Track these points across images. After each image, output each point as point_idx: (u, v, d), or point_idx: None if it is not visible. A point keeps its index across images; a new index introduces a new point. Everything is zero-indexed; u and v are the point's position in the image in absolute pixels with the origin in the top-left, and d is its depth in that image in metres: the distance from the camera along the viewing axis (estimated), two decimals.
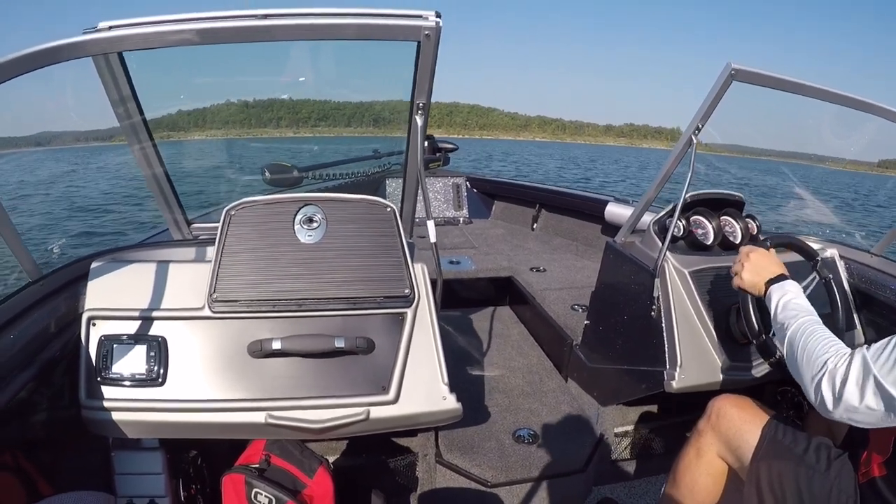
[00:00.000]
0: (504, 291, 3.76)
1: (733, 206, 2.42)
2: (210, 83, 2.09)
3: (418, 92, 1.60)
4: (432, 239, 1.79)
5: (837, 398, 1.29)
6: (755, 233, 2.37)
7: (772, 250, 1.84)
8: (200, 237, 2.10)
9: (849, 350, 1.35)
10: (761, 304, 1.78)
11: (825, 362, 1.35)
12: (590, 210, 4.32)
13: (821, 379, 1.34)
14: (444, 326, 1.81)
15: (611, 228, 4.01)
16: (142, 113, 1.75)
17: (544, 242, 4.55)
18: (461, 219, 4.99)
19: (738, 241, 2.34)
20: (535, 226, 4.95)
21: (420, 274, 1.79)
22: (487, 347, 3.16)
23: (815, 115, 2.36)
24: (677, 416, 2.59)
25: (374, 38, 1.44)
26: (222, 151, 3.02)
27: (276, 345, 1.59)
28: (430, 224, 1.79)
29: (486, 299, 3.78)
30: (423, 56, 1.48)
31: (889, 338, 1.25)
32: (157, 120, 1.87)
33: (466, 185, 5.18)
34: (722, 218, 2.37)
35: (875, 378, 1.22)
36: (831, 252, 2.50)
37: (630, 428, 2.58)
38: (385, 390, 1.65)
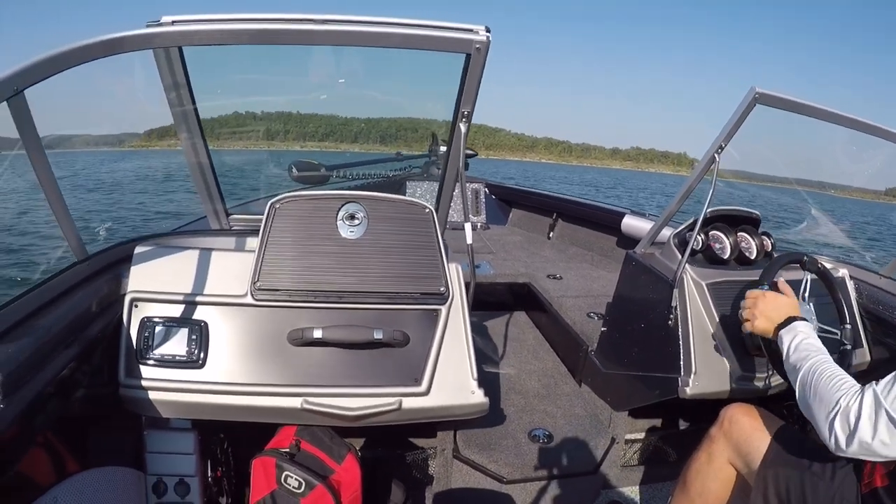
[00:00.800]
0: (521, 297, 3.81)
1: (749, 223, 2.49)
2: (258, 83, 2.16)
3: (464, 101, 1.67)
4: (469, 240, 1.86)
5: (851, 435, 1.31)
6: (769, 249, 2.44)
7: (776, 291, 1.89)
8: (237, 228, 2.17)
9: (859, 386, 1.37)
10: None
11: (837, 401, 1.36)
12: (606, 221, 4.38)
13: (834, 418, 1.35)
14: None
15: (627, 240, 4.06)
16: (194, 104, 1.83)
17: (560, 251, 4.60)
18: (479, 224, 5.05)
19: (753, 257, 2.40)
20: (551, 234, 5.01)
21: (455, 274, 1.86)
22: (504, 350, 3.21)
23: (831, 141, 2.43)
24: (687, 426, 2.65)
25: (429, 48, 1.50)
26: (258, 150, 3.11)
27: (317, 333, 1.66)
28: (468, 226, 1.86)
29: (503, 304, 3.84)
30: (472, 68, 1.55)
31: (893, 373, 1.28)
32: (207, 108, 1.95)
33: (485, 192, 5.25)
34: (738, 234, 2.43)
35: (887, 412, 1.25)
36: (842, 272, 2.56)
37: (641, 435, 2.63)
38: (417, 382, 1.72)
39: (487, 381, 2.73)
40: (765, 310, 1.78)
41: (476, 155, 5.23)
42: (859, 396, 1.32)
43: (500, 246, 4.50)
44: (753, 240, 2.45)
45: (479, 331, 3.38)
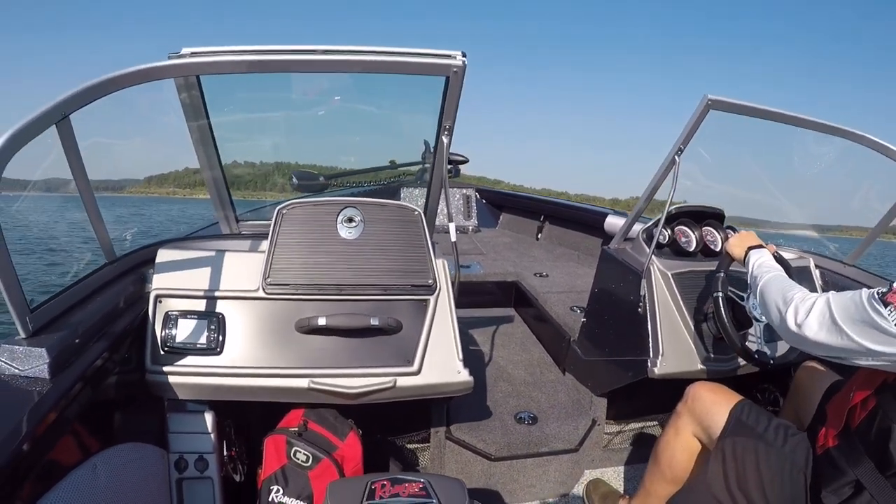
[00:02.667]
0: (509, 294, 4.00)
1: (714, 219, 2.69)
2: (266, 97, 2.36)
3: (446, 116, 1.88)
4: (453, 238, 2.08)
5: (798, 325, 1.47)
6: None
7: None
8: (245, 232, 2.39)
9: (811, 293, 1.53)
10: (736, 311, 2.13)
11: (793, 297, 1.54)
12: (591, 222, 4.56)
13: (787, 308, 1.53)
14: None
15: (610, 239, 4.22)
16: (210, 123, 2.03)
17: (548, 251, 4.77)
18: (471, 227, 5.24)
19: (717, 249, 2.60)
20: (539, 236, 5.19)
21: (441, 268, 2.09)
22: (493, 343, 3.39)
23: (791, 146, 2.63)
24: (664, 409, 2.82)
25: (413, 72, 1.73)
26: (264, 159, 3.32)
27: (322, 321, 1.88)
28: (452, 226, 2.09)
29: (492, 301, 4.03)
30: (451, 88, 1.78)
31: (851, 290, 1.40)
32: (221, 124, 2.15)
33: (476, 196, 5.42)
34: (704, 228, 2.63)
35: (833, 316, 1.38)
36: (809, 260, 2.75)
37: (621, 418, 2.83)
38: (410, 363, 1.94)
39: (478, 371, 2.91)
40: (742, 236, 2.10)
41: (467, 161, 5.42)
42: (814, 297, 1.48)
43: (490, 247, 4.68)
44: (718, 233, 2.65)
45: (470, 326, 3.56)
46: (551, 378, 3.00)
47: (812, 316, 1.45)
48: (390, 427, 2.51)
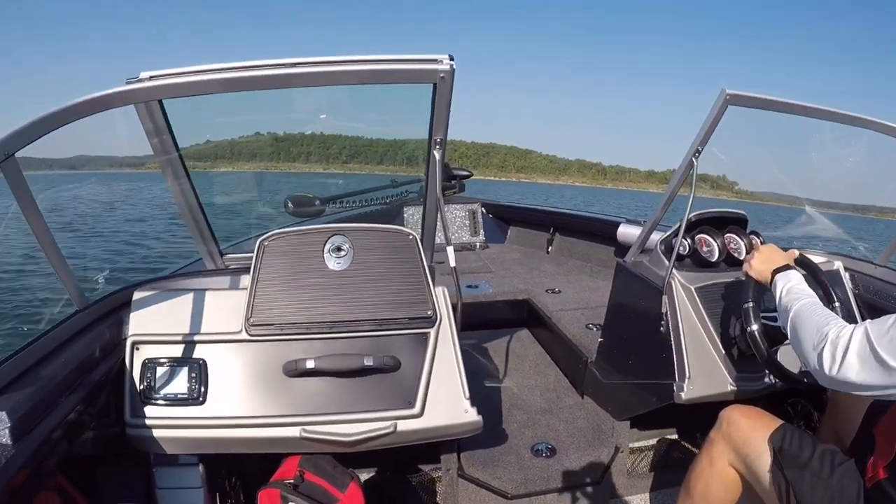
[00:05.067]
0: (521, 313, 3.83)
1: (737, 224, 2.50)
2: (242, 120, 2.22)
3: (436, 128, 1.72)
4: (452, 263, 1.91)
5: (837, 366, 1.34)
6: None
7: (770, 244, 1.99)
8: (231, 266, 2.23)
9: (851, 325, 1.40)
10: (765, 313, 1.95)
11: (827, 333, 1.40)
12: (602, 232, 4.39)
13: (823, 347, 1.39)
14: (464, 346, 1.93)
15: (623, 249, 4.00)
16: (178, 150, 1.88)
17: (559, 264, 4.62)
18: (478, 244, 5.07)
19: (741, 258, 2.40)
20: (549, 249, 5.02)
21: (441, 296, 1.92)
22: (506, 367, 3.22)
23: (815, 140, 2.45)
24: (691, 430, 2.67)
25: (396, 81, 1.56)
26: (249, 185, 3.17)
27: (310, 364, 1.72)
28: (450, 250, 1.92)
29: (503, 321, 3.85)
30: (439, 96, 1.60)
31: (889, 315, 1.30)
32: (191, 152, 2.00)
33: (482, 211, 5.26)
34: (726, 235, 2.44)
35: (875, 351, 1.27)
36: (837, 264, 2.57)
37: (645, 442, 2.65)
38: (411, 404, 1.77)
39: (490, 399, 2.75)
40: (766, 254, 1.91)
41: (471, 176, 5.25)
42: (850, 331, 1.35)
43: (499, 264, 4.52)
44: (742, 240, 2.46)
45: (480, 349, 3.41)
46: (569, 403, 2.84)
47: (851, 354, 1.33)
48: (396, 464, 2.36)
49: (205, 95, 1.57)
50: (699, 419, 2.05)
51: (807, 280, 1.91)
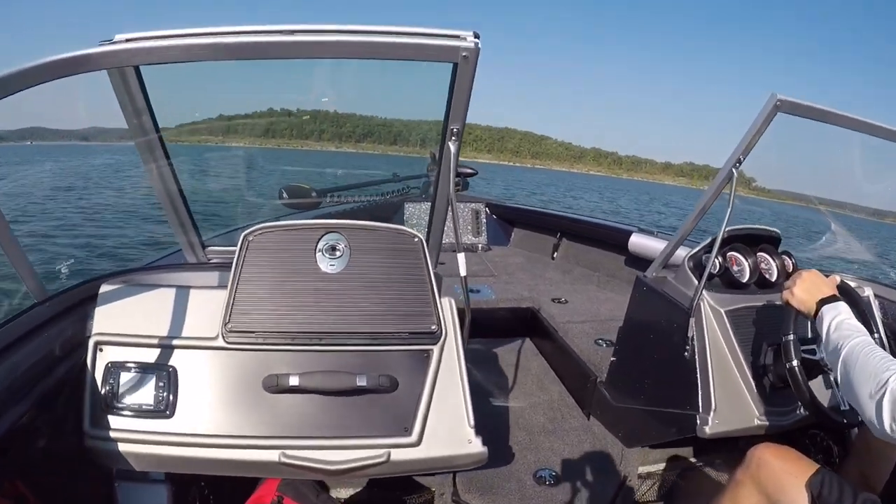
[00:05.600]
0: (524, 322, 3.66)
1: (769, 242, 2.33)
2: (236, 98, 2.02)
3: (453, 116, 1.51)
4: (462, 272, 1.71)
5: None
6: (791, 270, 2.29)
7: (813, 270, 1.78)
8: (215, 261, 2.04)
9: None
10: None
11: (887, 381, 1.26)
12: (613, 240, 4.22)
13: (882, 396, 1.26)
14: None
15: (635, 260, 3.94)
16: (157, 129, 1.69)
17: (565, 272, 4.46)
18: (480, 245, 4.90)
19: (773, 279, 2.26)
20: (555, 254, 4.85)
21: (448, 309, 1.71)
22: (507, 381, 3.07)
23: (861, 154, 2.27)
24: (704, 458, 2.50)
25: (409, 58, 1.35)
26: (240, 170, 2.97)
27: (294, 381, 1.51)
28: (461, 257, 1.70)
29: (506, 330, 3.68)
30: (459, 78, 1.40)
31: None
32: (173, 131, 1.81)
33: (486, 212, 5.10)
34: (758, 254, 2.28)
35: None
36: (867, 291, 2.40)
37: (654, 469, 2.48)
38: (407, 431, 1.56)
39: (489, 416, 2.61)
40: (810, 281, 1.71)
41: (475, 174, 5.05)
42: None
43: (501, 268, 4.36)
44: (774, 260, 2.31)
45: (480, 360, 3.24)
46: (574, 424, 2.67)
47: None
48: (387, 487, 2.16)
49: (192, 66, 1.37)
50: (709, 446, 1.98)
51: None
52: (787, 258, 2.31)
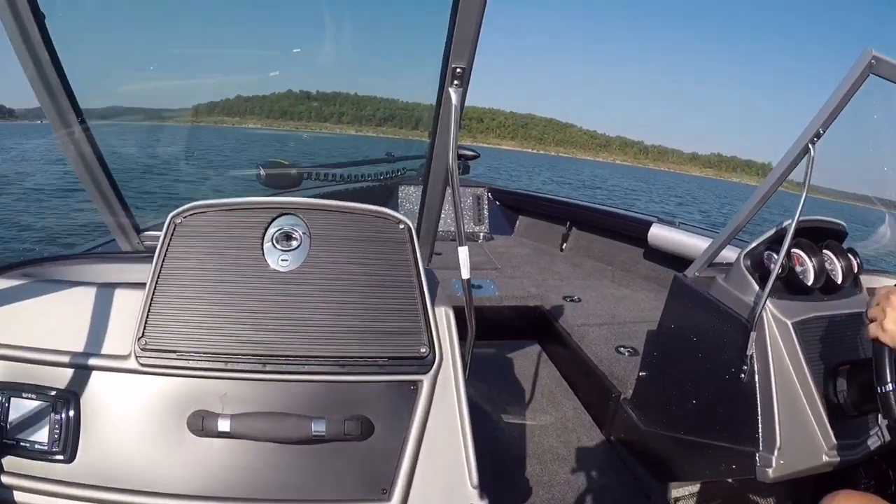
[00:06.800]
0: (532, 323, 3.32)
1: (833, 237, 1.98)
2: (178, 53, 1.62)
3: (456, 50, 1.10)
4: (465, 275, 1.27)
5: None
6: (857, 271, 1.94)
7: None
8: (149, 248, 1.62)
9: None
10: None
11: None
12: (629, 231, 3.92)
13: None
14: (470, 390, 1.31)
15: (654, 253, 3.65)
16: (60, 70, 1.29)
17: (575, 266, 4.14)
18: (482, 234, 4.58)
19: (839, 282, 1.89)
20: (564, 246, 4.55)
21: (444, 322, 1.25)
22: (513, 394, 2.72)
23: None
24: (755, 493, 2.15)
25: None
26: (199, 133, 2.58)
27: (223, 425, 1.08)
28: (463, 252, 1.27)
29: (511, 332, 3.33)
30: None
31: None
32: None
33: (488, 197, 4.79)
34: (823, 252, 1.92)
35: None
36: None
37: (688, 491, 2.16)
38: (386, 494, 1.13)
39: (492, 441, 2.27)
40: None
41: (478, 156, 4.68)
42: None
43: (505, 260, 4.03)
44: (838, 260, 1.95)
45: (480, 368, 2.87)
46: (591, 446, 2.33)
47: None
48: None
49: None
50: None
51: None
52: (852, 257, 1.95)
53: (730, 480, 2.19)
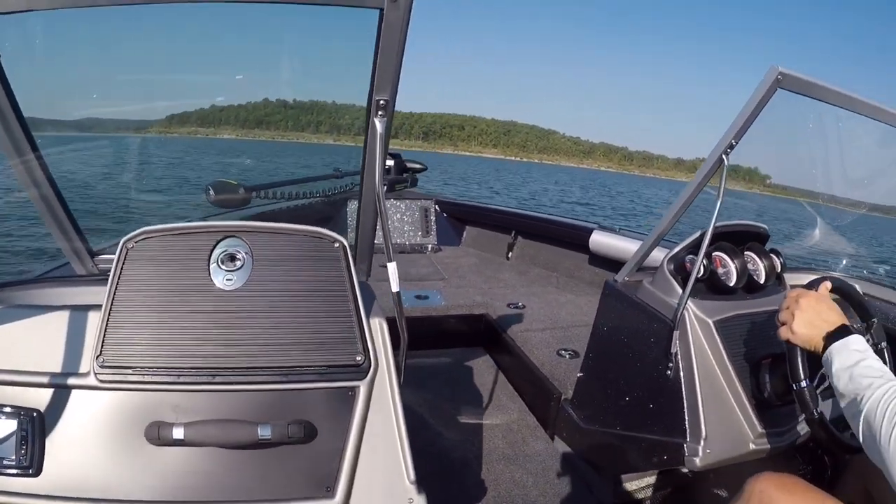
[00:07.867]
0: (478, 331, 3.39)
1: (755, 240, 2.10)
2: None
3: (379, 84, 1.19)
4: (394, 287, 1.37)
5: None
6: (779, 271, 2.07)
7: (825, 291, 1.47)
8: (105, 271, 1.66)
9: None
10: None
11: None
12: (572, 238, 4.03)
13: None
14: (408, 369, 1.45)
15: (597, 259, 3.77)
16: (9, 91, 1.30)
17: (521, 273, 4.23)
18: (429, 246, 4.64)
19: (762, 282, 2.02)
20: (510, 255, 4.64)
21: (378, 332, 1.36)
22: (460, 400, 2.78)
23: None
24: (688, 484, 2.26)
25: (319, 2, 1.03)
26: (150, 161, 2.60)
27: (177, 433, 1.16)
28: (392, 267, 1.36)
29: (457, 339, 3.40)
30: (385, 31, 1.09)
31: None
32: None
33: (435, 209, 4.85)
34: (745, 254, 2.04)
35: None
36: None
37: (634, 487, 2.26)
38: (330, 492, 1.23)
39: (439, 444, 2.33)
40: (811, 311, 1.37)
41: (425, 169, 4.74)
42: None
43: (452, 270, 4.10)
44: (761, 260, 2.07)
45: (427, 375, 2.95)
46: (538, 448, 2.40)
47: None
48: None
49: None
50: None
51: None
52: (775, 257, 2.08)
53: (684, 471, 2.32)
